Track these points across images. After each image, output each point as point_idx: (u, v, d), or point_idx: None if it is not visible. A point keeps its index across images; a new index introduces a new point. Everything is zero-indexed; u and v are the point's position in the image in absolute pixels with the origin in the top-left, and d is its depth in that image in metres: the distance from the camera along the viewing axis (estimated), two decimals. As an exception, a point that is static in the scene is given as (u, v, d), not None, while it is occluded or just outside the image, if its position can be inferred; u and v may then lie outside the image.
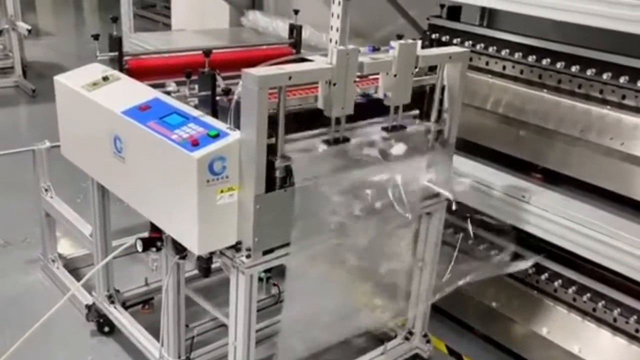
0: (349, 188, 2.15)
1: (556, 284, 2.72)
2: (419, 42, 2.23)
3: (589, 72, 2.54)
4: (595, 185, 2.63)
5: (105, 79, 2.43)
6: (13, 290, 3.32)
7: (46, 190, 3.35)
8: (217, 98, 2.11)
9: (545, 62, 2.66)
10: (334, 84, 2.01)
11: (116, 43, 2.49)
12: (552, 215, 2.60)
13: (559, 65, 2.62)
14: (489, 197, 2.78)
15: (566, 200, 2.67)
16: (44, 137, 3.26)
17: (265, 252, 2.08)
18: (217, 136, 1.95)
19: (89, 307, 3.03)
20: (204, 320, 2.90)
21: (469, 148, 2.87)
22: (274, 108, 1.95)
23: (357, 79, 2.14)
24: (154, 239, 2.32)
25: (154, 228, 2.30)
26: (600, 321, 2.63)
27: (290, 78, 1.92)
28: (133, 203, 2.30)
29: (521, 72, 2.78)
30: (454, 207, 2.37)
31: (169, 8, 7.46)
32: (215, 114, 2.11)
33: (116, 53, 2.50)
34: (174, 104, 2.19)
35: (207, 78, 2.12)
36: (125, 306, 2.99)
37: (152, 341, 2.67)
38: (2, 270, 3.48)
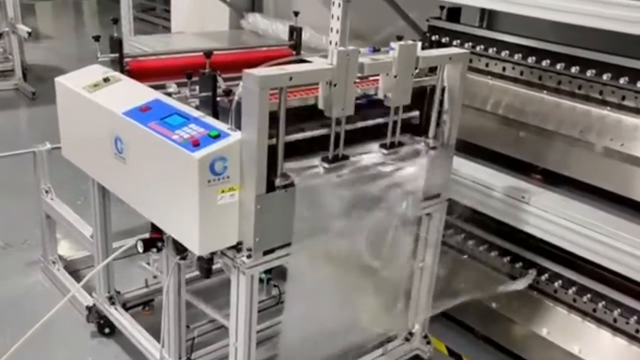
0: (350, 188, 2.15)
1: (556, 284, 2.72)
2: (419, 44, 2.23)
3: (588, 73, 2.54)
4: (595, 186, 2.64)
5: (106, 80, 2.44)
6: (13, 291, 3.32)
7: (47, 192, 3.36)
8: (218, 99, 2.11)
9: (545, 63, 2.66)
10: (335, 85, 2.02)
11: (117, 44, 2.50)
12: (551, 216, 2.60)
13: (558, 66, 2.62)
14: (489, 198, 2.78)
15: (566, 201, 2.67)
16: (44, 140, 3.27)
17: (266, 253, 2.08)
18: (218, 136, 1.96)
19: (89, 309, 3.03)
20: (204, 321, 2.89)
21: (469, 149, 2.88)
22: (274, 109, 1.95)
23: (358, 80, 2.14)
24: (155, 239, 2.32)
25: (155, 229, 2.30)
26: (600, 322, 2.62)
27: (291, 78, 1.92)
28: (134, 203, 2.30)
29: (521, 73, 2.79)
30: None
31: (168, 11, 7.48)
32: (216, 115, 2.11)
33: (117, 54, 2.51)
34: (174, 105, 2.20)
35: (208, 79, 2.13)
36: (126, 307, 2.99)
37: (153, 342, 2.67)
38: (2, 272, 3.48)
